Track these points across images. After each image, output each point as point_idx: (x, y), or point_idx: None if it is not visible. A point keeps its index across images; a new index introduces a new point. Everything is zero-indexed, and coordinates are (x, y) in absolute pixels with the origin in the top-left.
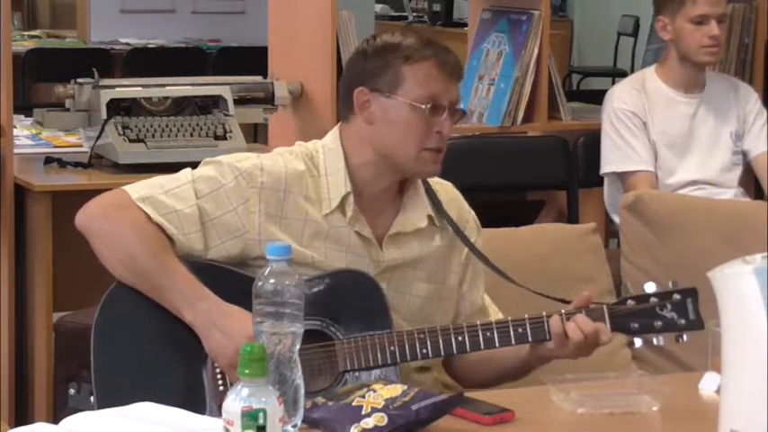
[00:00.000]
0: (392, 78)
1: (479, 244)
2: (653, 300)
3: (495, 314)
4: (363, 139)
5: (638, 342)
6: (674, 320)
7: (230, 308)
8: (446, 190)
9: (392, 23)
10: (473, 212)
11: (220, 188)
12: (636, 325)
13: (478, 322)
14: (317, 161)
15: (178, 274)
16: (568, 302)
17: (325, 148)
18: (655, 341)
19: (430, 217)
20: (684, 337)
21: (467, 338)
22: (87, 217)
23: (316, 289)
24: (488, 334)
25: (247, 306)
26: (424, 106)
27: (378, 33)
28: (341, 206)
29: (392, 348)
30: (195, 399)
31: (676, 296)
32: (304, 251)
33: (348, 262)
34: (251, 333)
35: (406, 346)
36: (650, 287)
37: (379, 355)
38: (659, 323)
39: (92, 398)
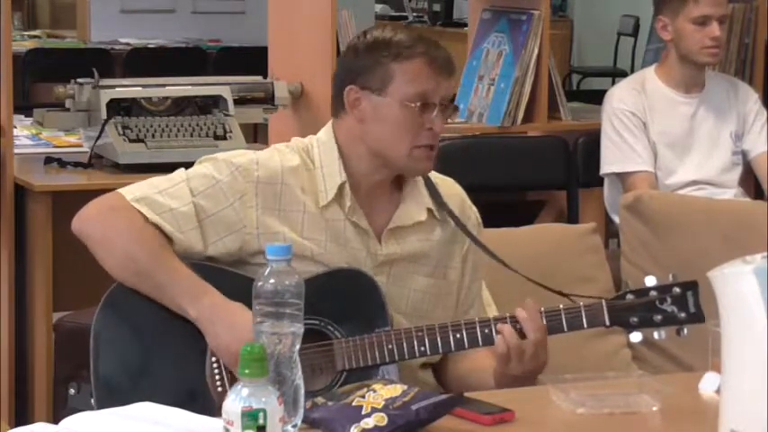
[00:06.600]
0: (382, 76)
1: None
2: (652, 293)
3: (493, 313)
4: (355, 136)
5: (636, 336)
6: (674, 314)
7: (233, 303)
8: (447, 185)
9: (392, 23)
10: (476, 210)
11: (216, 184)
12: (635, 319)
13: (476, 319)
14: (312, 155)
15: (178, 271)
16: (566, 295)
17: (319, 141)
18: (656, 335)
19: (430, 210)
20: (685, 330)
21: (465, 336)
22: (83, 222)
23: (313, 288)
24: (486, 331)
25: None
26: (414, 104)
27: (369, 29)
28: (338, 197)
29: (390, 347)
30: (195, 400)
31: (676, 289)
32: (303, 243)
33: (345, 254)
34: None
35: (404, 345)
36: (650, 281)
37: (377, 354)
38: (659, 317)
39: (92, 400)
